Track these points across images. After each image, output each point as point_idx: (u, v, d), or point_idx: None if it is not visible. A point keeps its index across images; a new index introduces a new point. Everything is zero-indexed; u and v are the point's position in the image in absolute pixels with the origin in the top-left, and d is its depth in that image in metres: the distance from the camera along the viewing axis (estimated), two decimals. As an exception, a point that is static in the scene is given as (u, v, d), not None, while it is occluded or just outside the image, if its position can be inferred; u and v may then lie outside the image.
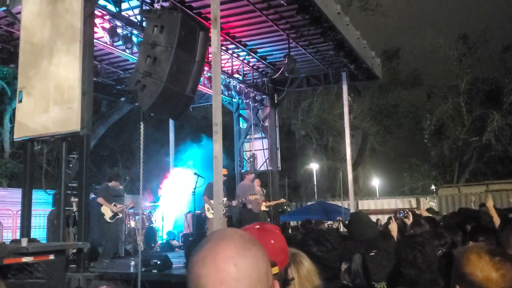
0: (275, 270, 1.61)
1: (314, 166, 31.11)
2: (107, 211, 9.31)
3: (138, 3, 9.83)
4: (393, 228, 4.48)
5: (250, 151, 16.06)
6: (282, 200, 14.46)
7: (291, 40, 12.21)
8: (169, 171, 15.96)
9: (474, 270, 1.76)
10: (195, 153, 17.17)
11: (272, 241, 1.70)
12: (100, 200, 9.35)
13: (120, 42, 10.36)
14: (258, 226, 1.78)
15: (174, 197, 14.54)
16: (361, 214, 3.59)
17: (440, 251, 3.42)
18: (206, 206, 10.48)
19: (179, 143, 18.73)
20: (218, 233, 1.15)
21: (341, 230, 8.43)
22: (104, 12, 9.63)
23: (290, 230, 13.92)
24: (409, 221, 6.29)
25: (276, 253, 1.66)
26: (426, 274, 2.68)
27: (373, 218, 11.36)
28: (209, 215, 10.26)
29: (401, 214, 6.03)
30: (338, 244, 2.46)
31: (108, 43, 10.38)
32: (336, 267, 2.37)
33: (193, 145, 18.53)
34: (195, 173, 11.70)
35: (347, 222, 3.40)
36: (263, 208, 12.09)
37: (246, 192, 11.16)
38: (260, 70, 15.29)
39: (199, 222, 12.52)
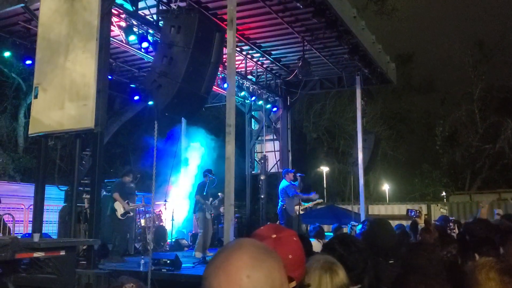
0: (292, 284, 1.55)
1: (324, 169, 30.97)
2: (119, 207, 9.35)
3: (155, 2, 9.86)
4: None
5: (261, 152, 16.01)
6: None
7: (305, 43, 12.17)
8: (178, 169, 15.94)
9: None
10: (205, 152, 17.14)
11: (290, 256, 1.59)
12: (115, 195, 9.40)
13: (136, 41, 10.41)
14: (274, 236, 1.64)
15: (184, 196, 14.58)
16: (385, 221, 3.55)
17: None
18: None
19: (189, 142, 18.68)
20: (233, 243, 1.12)
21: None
22: (121, 11, 9.68)
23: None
24: (421, 221, 6.18)
25: (294, 269, 1.57)
26: (434, 282, 2.65)
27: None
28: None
29: (412, 213, 5.92)
30: (364, 250, 2.45)
31: (124, 41, 10.45)
32: (358, 270, 2.34)
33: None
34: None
35: (367, 228, 3.37)
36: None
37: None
38: (273, 72, 15.26)
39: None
